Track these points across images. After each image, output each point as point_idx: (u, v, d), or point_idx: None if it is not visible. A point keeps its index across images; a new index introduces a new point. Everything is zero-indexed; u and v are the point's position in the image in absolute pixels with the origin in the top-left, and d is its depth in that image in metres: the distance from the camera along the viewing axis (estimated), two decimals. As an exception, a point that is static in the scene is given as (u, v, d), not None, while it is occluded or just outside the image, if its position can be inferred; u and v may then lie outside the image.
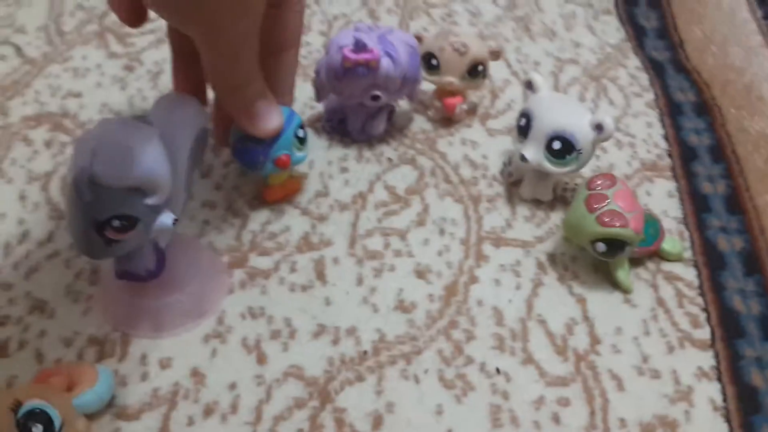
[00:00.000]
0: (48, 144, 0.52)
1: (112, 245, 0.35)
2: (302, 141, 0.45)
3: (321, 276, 0.45)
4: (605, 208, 0.42)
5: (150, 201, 0.35)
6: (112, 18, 0.63)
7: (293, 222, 0.48)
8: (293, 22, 0.44)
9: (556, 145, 0.45)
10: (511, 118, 0.56)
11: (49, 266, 0.44)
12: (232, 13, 0.36)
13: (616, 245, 0.42)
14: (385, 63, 0.47)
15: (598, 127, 0.44)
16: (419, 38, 0.52)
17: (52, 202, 0.48)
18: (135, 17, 0.42)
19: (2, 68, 0.59)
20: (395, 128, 0.55)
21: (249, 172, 0.45)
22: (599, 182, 0.43)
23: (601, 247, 0.42)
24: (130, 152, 0.33)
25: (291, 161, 0.45)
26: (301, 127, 0.45)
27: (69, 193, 0.33)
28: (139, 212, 0.34)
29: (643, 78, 0.61)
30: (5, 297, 0.43)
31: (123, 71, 0.58)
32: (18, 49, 0.60)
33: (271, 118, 0.42)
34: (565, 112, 0.45)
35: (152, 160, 0.34)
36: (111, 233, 0.34)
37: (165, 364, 0.40)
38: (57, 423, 0.33)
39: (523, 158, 0.46)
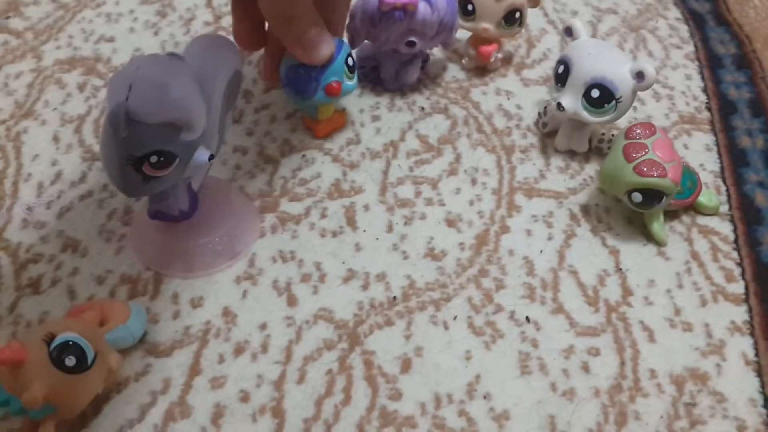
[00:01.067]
0: (81, 87, 0.52)
1: (149, 182, 0.35)
2: (351, 69, 0.46)
3: (351, 222, 0.45)
4: (644, 158, 0.41)
5: (186, 137, 0.34)
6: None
7: (324, 169, 0.47)
8: None
9: (595, 93, 0.44)
10: (546, 68, 0.55)
11: (82, 206, 0.45)
12: None
13: (652, 196, 0.41)
14: (423, 7, 0.46)
15: (639, 75, 0.43)
16: (455, -18, 0.51)
17: (85, 144, 0.48)
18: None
19: (36, 13, 0.59)
20: (428, 77, 0.54)
21: (300, 101, 0.45)
22: (638, 131, 0.42)
23: (637, 197, 0.41)
24: (165, 87, 0.33)
25: (341, 89, 0.45)
26: (350, 55, 0.45)
27: (105, 130, 0.33)
28: (175, 148, 0.34)
29: (683, 29, 0.59)
30: (37, 235, 0.43)
31: (155, 16, 0.58)
32: (51, -7, 0.60)
33: (324, 46, 0.43)
34: (604, 60, 0.44)
35: (187, 95, 0.34)
36: (148, 169, 0.34)
37: (196, 303, 0.40)
38: (90, 356, 0.33)
39: (559, 106, 0.45)
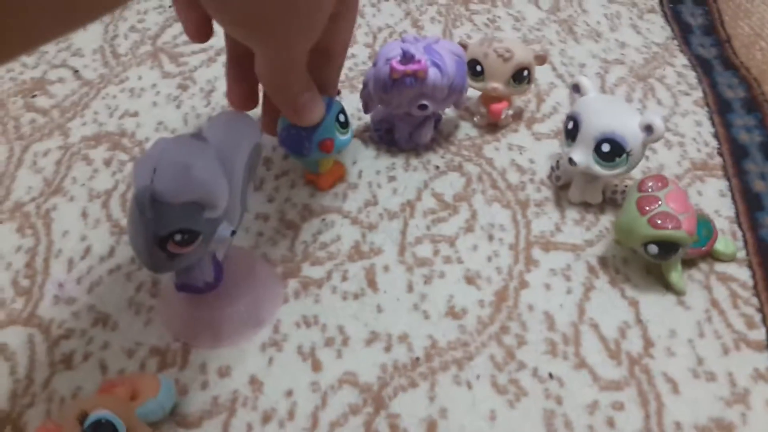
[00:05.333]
0: (107, 162, 0.54)
1: (174, 259, 0.36)
2: (344, 125, 0.47)
3: (372, 284, 0.45)
4: (657, 210, 0.41)
5: (209, 215, 0.36)
6: (165, 38, 0.65)
7: (343, 231, 0.48)
8: (345, 32, 0.45)
9: (605, 147, 0.45)
10: (557, 122, 0.56)
11: (110, 280, 0.46)
12: (300, 34, 0.38)
13: (668, 247, 0.42)
14: (433, 73, 0.47)
15: (648, 128, 0.44)
16: (463, 45, 0.52)
17: (113, 218, 0.50)
18: (202, 34, 0.45)
19: (61, 90, 0.61)
20: (441, 136, 0.55)
21: (297, 158, 0.48)
22: (650, 184, 0.43)
23: (653, 249, 0.42)
24: (188, 169, 0.34)
25: (335, 144, 0.46)
26: (342, 112, 0.47)
27: (131, 211, 0.35)
28: (199, 226, 0.36)
29: (691, 76, 0.60)
30: (69, 311, 0.45)
31: (177, 90, 0.60)
32: (76, 72, 0.63)
33: (314, 110, 0.44)
34: (613, 114, 0.45)
35: (209, 175, 0.35)
36: (173, 247, 0.35)
37: (224, 372, 0.41)
38: (122, 432, 0.34)
39: (571, 162, 0.46)
